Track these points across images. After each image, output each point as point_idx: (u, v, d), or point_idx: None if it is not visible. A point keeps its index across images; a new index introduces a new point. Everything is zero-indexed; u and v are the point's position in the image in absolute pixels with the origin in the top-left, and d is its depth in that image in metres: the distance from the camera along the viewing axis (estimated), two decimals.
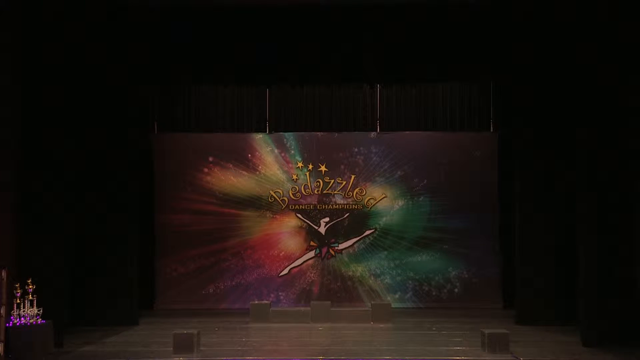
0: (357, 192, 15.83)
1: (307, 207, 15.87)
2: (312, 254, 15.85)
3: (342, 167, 15.87)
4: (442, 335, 12.68)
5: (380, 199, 15.83)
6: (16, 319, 10.96)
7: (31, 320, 11.05)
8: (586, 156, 11.85)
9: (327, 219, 15.86)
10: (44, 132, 11.92)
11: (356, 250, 15.85)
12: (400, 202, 15.81)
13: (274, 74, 13.52)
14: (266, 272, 15.79)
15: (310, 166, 15.83)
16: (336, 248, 15.84)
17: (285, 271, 15.82)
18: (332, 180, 15.84)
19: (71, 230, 12.88)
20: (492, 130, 15.05)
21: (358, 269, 15.81)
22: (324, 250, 15.85)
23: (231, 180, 15.85)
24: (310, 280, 15.81)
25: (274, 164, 15.87)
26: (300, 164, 15.84)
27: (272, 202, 15.84)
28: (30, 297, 11.12)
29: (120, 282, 13.58)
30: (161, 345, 11.74)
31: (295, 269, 15.83)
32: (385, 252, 15.79)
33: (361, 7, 12.73)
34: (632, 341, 11.48)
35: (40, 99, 11.92)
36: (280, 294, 15.74)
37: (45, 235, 11.89)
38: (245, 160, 15.84)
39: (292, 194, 15.84)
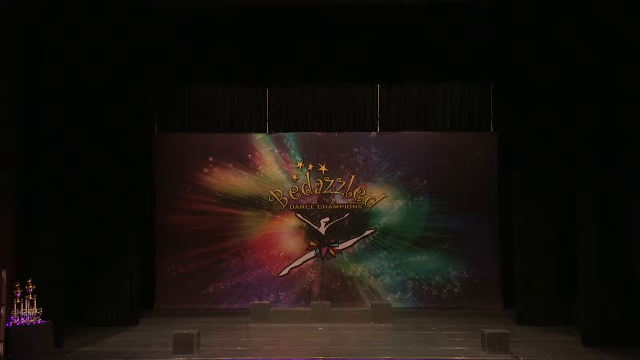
0: (357, 192, 15.83)
1: (307, 207, 15.86)
2: (312, 254, 15.84)
3: (342, 167, 15.86)
4: (442, 335, 12.67)
5: (380, 199, 15.82)
6: (16, 319, 10.96)
7: (31, 320, 11.04)
8: (586, 156, 11.85)
9: (327, 219, 15.85)
10: (44, 132, 11.92)
11: (356, 250, 15.84)
12: (400, 202, 15.80)
13: (274, 74, 13.52)
14: (266, 272, 15.78)
15: (310, 166, 15.82)
16: (336, 248, 15.83)
17: (285, 271, 15.82)
18: (332, 180, 15.83)
19: (71, 230, 12.87)
20: (492, 130, 15.03)
21: (358, 269, 15.80)
22: (324, 250, 15.84)
23: (231, 180, 15.84)
24: (310, 280, 15.80)
25: (274, 164, 15.86)
26: (300, 164, 15.83)
27: (272, 202, 15.83)
28: (30, 297, 11.12)
29: (120, 282, 13.59)
30: (161, 345, 11.74)
31: (295, 269, 15.82)
32: (385, 252, 15.78)
33: (361, 7, 12.73)
34: (632, 341, 11.47)
35: (40, 99, 11.92)
36: (280, 294, 15.73)
37: (45, 235, 11.88)
38: (245, 160, 15.83)
39: (292, 194, 15.83)
